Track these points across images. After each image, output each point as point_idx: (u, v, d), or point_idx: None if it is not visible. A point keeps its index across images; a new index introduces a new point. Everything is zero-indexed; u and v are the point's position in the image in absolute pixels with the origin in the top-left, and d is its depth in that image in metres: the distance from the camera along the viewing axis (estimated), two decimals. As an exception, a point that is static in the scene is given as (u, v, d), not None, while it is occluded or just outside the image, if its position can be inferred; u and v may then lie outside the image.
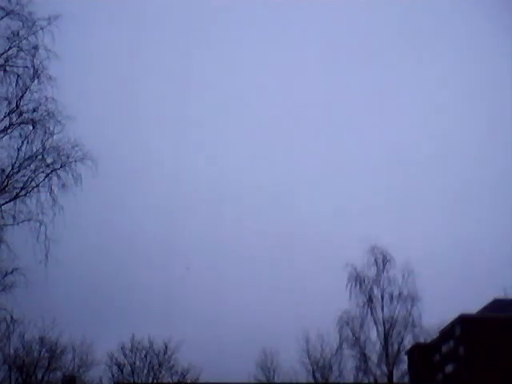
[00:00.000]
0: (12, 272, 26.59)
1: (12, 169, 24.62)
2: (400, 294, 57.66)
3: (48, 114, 24.67)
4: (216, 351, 76.31)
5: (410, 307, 57.34)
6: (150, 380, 70.40)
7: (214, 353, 74.95)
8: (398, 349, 57.46)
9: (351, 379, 61.01)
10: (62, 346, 62.64)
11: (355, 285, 57.58)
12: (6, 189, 24.50)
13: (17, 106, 24.32)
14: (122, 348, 70.18)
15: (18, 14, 23.66)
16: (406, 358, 63.96)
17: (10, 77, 23.98)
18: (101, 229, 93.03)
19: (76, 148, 25.50)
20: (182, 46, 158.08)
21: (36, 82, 24.34)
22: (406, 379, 65.84)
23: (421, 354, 77.05)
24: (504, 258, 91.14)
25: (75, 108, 26.38)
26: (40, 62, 24.21)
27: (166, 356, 70.77)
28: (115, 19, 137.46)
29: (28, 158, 24.79)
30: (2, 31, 23.75)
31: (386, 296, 57.78)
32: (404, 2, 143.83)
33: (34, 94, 24.49)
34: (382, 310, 57.53)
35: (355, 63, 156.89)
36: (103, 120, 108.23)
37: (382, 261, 58.11)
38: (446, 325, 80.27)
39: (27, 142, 24.65)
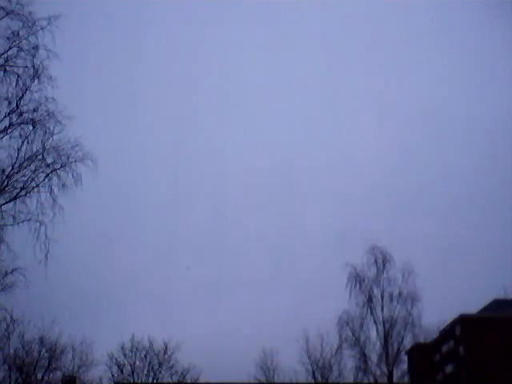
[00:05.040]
0: (12, 272, 26.66)
1: (12, 169, 24.61)
2: (400, 294, 57.69)
3: (48, 114, 24.64)
4: (216, 351, 76.37)
5: (409, 307, 57.40)
6: (150, 380, 70.42)
7: (214, 353, 75.00)
8: (398, 349, 57.46)
9: (351, 379, 61.01)
10: (62, 346, 62.68)
11: (355, 285, 57.62)
12: (6, 189, 24.48)
13: (17, 106, 24.28)
14: (122, 348, 70.30)
15: (18, 13, 23.62)
16: (406, 358, 63.95)
17: (10, 77, 23.97)
18: (101, 229, 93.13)
19: (76, 148, 25.51)
20: (183, 45, 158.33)
21: (36, 82, 24.32)
22: (406, 379, 65.84)
23: (421, 353, 77.06)
24: (504, 258, 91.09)
25: (75, 108, 26.39)
26: (40, 62, 24.19)
27: (166, 356, 70.86)
28: (115, 19, 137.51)
29: (28, 158, 24.77)
30: (2, 31, 23.75)
31: (386, 296, 57.83)
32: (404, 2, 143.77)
33: (34, 94, 24.48)
34: (382, 309, 57.57)
35: (355, 63, 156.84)
36: (103, 120, 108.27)
37: (382, 261, 58.16)
38: (445, 325, 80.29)
39: (27, 142, 24.62)
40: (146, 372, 70.67)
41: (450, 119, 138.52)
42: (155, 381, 70.41)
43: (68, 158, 25.34)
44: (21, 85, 24.10)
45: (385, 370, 56.52)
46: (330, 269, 76.40)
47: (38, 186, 25.04)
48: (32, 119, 24.55)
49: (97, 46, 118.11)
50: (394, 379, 57.08)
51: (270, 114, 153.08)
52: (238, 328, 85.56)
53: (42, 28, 23.91)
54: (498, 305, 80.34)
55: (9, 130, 24.36)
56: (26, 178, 24.86)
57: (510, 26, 73.55)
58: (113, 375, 69.97)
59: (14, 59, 24.03)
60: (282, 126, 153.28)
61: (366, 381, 57.41)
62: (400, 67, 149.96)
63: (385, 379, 56.64)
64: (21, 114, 24.38)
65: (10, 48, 23.90)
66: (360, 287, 57.62)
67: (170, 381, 70.67)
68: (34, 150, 24.84)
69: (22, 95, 24.25)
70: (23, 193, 24.84)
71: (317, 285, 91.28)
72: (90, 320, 71.26)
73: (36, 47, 24.01)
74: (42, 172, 25.09)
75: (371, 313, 57.25)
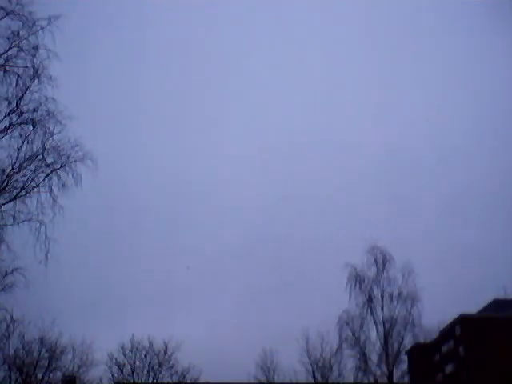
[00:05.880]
0: (12, 272, 26.67)
1: (12, 169, 24.61)
2: (400, 294, 57.72)
3: (48, 114, 24.64)
4: (216, 351, 76.37)
5: (409, 307, 57.44)
6: (150, 380, 70.33)
7: (214, 353, 75.00)
8: (398, 349, 57.48)
9: (351, 379, 61.00)
10: (62, 346, 62.49)
11: (355, 285, 57.66)
12: (6, 189, 24.49)
13: (17, 106, 24.28)
14: (122, 348, 70.16)
15: (19, 14, 23.60)
16: (405, 357, 63.95)
17: (10, 77, 23.96)
18: (101, 229, 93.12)
19: (76, 148, 25.52)
20: (183, 44, 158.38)
21: (36, 81, 24.31)
22: (406, 379, 65.87)
23: (421, 353, 77.10)
24: (504, 258, 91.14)
25: (75, 108, 26.40)
26: (40, 62, 24.18)
27: (166, 356, 70.71)
28: (115, 19, 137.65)
29: (28, 158, 24.77)
30: (3, 31, 23.74)
31: (386, 296, 57.86)
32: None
33: (34, 94, 24.48)
34: (382, 309, 57.59)
35: (355, 61, 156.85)
36: (103, 120, 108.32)
37: (382, 261, 58.19)
38: (446, 325, 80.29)
39: (27, 142, 24.63)
40: (146, 372, 70.57)
41: (450, 119, 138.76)
42: (155, 381, 70.32)
43: (68, 157, 25.37)
44: (21, 85, 24.11)
45: (385, 369, 56.54)
46: (330, 269, 76.45)
47: (38, 186, 25.05)
48: (32, 119, 24.55)
49: (97, 46, 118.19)
50: (394, 379, 57.09)
51: (269, 113, 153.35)
52: (238, 328, 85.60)
53: (42, 28, 23.91)
54: (498, 305, 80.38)
55: (9, 130, 24.37)
56: (26, 178, 24.88)
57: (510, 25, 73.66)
58: (113, 375, 69.87)
59: (13, 59, 24.03)
60: (282, 126, 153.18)
61: (366, 381, 57.43)
62: (400, 67, 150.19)
63: (385, 379, 56.65)
64: (21, 113, 24.38)
65: (10, 48, 23.89)
66: (360, 287, 57.68)
67: (170, 381, 70.57)
68: (34, 149, 24.87)
69: (22, 95, 24.25)
70: (23, 193, 24.86)
71: (317, 285, 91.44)
72: (89, 320, 71.26)
73: (36, 47, 24.00)
74: (42, 172, 25.11)
75: (371, 313, 57.31)
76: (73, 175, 25.41)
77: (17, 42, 23.89)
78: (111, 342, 67.60)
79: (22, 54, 24.02)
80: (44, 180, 25.13)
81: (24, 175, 24.84)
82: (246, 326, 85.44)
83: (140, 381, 70.00)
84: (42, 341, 61.29)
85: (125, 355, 70.35)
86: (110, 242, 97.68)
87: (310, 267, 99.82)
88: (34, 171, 24.97)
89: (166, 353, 70.72)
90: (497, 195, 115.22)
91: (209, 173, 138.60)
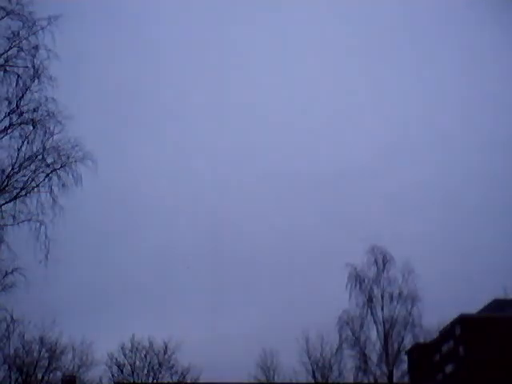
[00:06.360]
0: (12, 272, 26.68)
1: (12, 169, 24.64)
2: (400, 294, 57.85)
3: (48, 114, 24.68)
4: (216, 351, 76.29)
5: (410, 307, 57.59)
6: (150, 380, 70.33)
7: (214, 353, 74.92)
8: (398, 349, 57.60)
9: (351, 379, 61.08)
10: (62, 346, 62.58)
11: (355, 285, 57.78)
12: (6, 189, 24.52)
13: (17, 106, 24.31)
14: (122, 348, 70.18)
15: (19, 14, 23.66)
16: (405, 358, 63.97)
17: (10, 77, 24.00)
18: (101, 229, 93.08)
19: (76, 148, 25.57)
20: (184, 43, 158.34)
21: (36, 82, 24.37)
22: (406, 379, 65.87)
23: (421, 354, 77.01)
24: (504, 258, 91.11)
25: (75, 108, 26.40)
26: (40, 62, 24.23)
27: (166, 356, 70.70)
28: (115, 19, 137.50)
29: (28, 158, 24.80)
30: (3, 31, 23.79)
31: (386, 296, 57.99)
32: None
33: (35, 94, 24.53)
34: (382, 309, 57.71)
35: (354, 65, 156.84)
36: (103, 120, 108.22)
37: (382, 261, 58.29)
38: (446, 325, 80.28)
39: (27, 142, 24.67)
40: (146, 372, 70.59)
41: (451, 119, 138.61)
42: (155, 381, 70.32)
43: (68, 157, 25.40)
44: (21, 85, 24.16)
45: (385, 369, 56.63)
46: (330, 269, 76.43)
47: (38, 185, 25.08)
48: (32, 119, 24.58)
49: (97, 46, 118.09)
50: (394, 379, 57.17)
51: (269, 114, 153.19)
52: (237, 328, 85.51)
53: (42, 28, 23.97)
54: (498, 305, 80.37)
55: (9, 130, 24.41)
56: (26, 178, 24.91)
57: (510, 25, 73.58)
58: (113, 375, 69.87)
59: (14, 59, 24.07)
60: (282, 126, 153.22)
61: (365, 381, 57.55)
62: (400, 67, 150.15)
63: (385, 379, 56.71)
64: (21, 113, 24.41)
65: (10, 48, 23.93)
66: (360, 287, 57.78)
67: (170, 381, 70.59)
68: (34, 150, 24.92)
69: (22, 95, 24.29)
70: (23, 193, 24.88)
71: (317, 285, 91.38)
72: (90, 320, 71.26)
73: (36, 47, 24.04)
74: (42, 172, 25.15)
75: (371, 313, 57.43)
76: (73, 175, 25.47)
77: (17, 41, 23.94)
78: (111, 342, 67.66)
79: (22, 53, 24.09)
80: (44, 180, 25.18)
81: (24, 175, 24.89)
82: (246, 327, 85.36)
83: (140, 381, 70.01)
84: (42, 341, 61.39)
85: (125, 355, 70.40)
86: (109, 241, 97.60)
87: (310, 267, 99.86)
88: (34, 171, 25.01)
89: (165, 353, 70.74)
90: (497, 194, 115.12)
91: (208, 173, 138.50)
